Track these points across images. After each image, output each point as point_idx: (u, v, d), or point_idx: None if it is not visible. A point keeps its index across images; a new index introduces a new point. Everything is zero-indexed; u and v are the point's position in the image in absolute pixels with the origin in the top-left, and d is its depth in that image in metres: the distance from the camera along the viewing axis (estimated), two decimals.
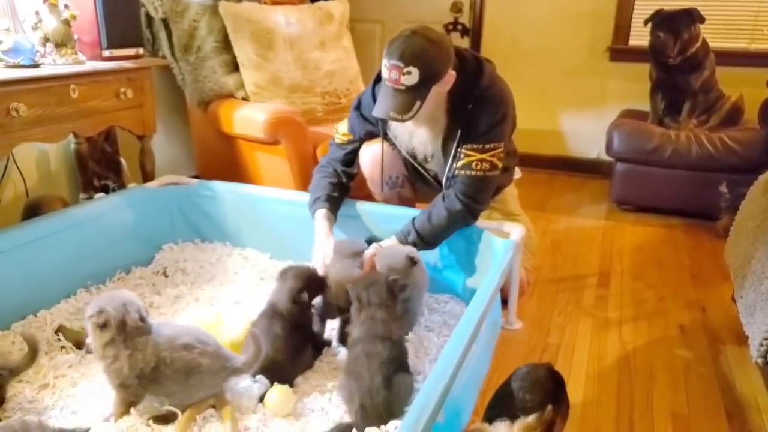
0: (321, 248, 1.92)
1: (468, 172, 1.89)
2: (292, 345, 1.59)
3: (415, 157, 2.11)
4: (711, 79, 3.23)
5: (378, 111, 1.80)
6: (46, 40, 2.11)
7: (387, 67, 1.73)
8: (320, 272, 1.82)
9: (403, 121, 1.78)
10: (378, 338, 1.50)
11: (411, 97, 1.72)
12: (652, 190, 3.24)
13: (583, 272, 2.56)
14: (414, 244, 1.88)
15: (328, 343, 1.77)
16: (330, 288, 1.76)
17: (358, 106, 2.09)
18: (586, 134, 4.02)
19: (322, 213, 2.01)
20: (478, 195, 1.91)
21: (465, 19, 4.17)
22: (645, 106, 3.47)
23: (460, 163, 1.91)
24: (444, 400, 1.16)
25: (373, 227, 2.15)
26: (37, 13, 2.11)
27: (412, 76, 1.69)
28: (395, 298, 1.60)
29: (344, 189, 2.12)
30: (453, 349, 1.29)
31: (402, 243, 1.90)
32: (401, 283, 1.62)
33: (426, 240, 1.90)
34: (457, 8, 4.15)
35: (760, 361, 1.51)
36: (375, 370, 1.43)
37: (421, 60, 1.68)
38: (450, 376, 1.19)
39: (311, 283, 1.70)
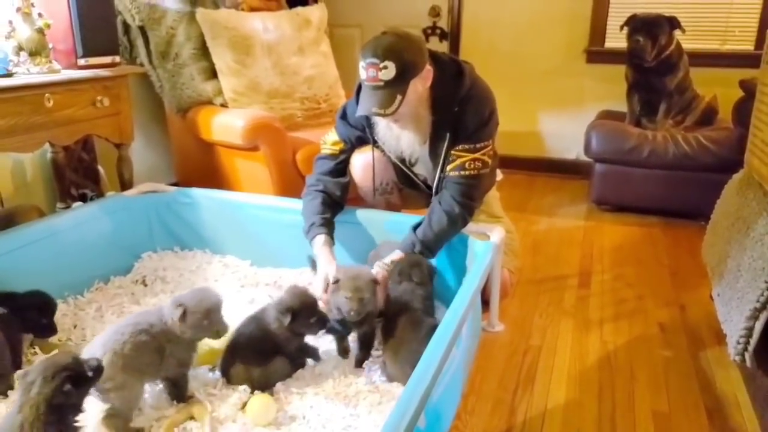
0: (324, 272, 1.86)
1: (462, 173, 1.92)
2: (256, 352, 1.59)
3: (404, 162, 2.12)
4: (685, 80, 3.28)
5: (361, 109, 1.83)
6: (20, 49, 2.08)
7: (364, 68, 1.76)
8: (321, 294, 1.78)
9: (386, 116, 1.79)
10: (417, 309, 1.71)
11: (391, 92, 1.75)
12: (631, 190, 3.27)
13: (564, 273, 2.58)
14: (420, 254, 1.88)
15: (312, 356, 1.74)
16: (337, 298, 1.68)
17: (343, 116, 2.09)
18: (565, 135, 4.05)
19: (321, 240, 1.95)
20: (473, 193, 1.95)
21: (443, 23, 4.19)
22: (622, 106, 3.50)
23: (452, 165, 1.92)
24: (424, 405, 1.15)
25: (372, 233, 2.14)
26: (10, 22, 2.08)
27: (389, 70, 1.72)
28: (432, 280, 1.80)
29: (337, 205, 2.09)
30: (432, 353, 1.28)
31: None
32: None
33: (431, 247, 1.90)
34: (435, 12, 4.17)
35: (737, 358, 1.53)
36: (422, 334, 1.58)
37: (395, 53, 1.73)
38: (430, 381, 1.19)
39: (303, 306, 1.63)
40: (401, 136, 1.97)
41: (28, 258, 1.90)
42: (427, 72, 1.83)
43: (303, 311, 1.61)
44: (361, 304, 1.63)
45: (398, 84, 1.75)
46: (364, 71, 1.77)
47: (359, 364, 1.71)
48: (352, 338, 1.78)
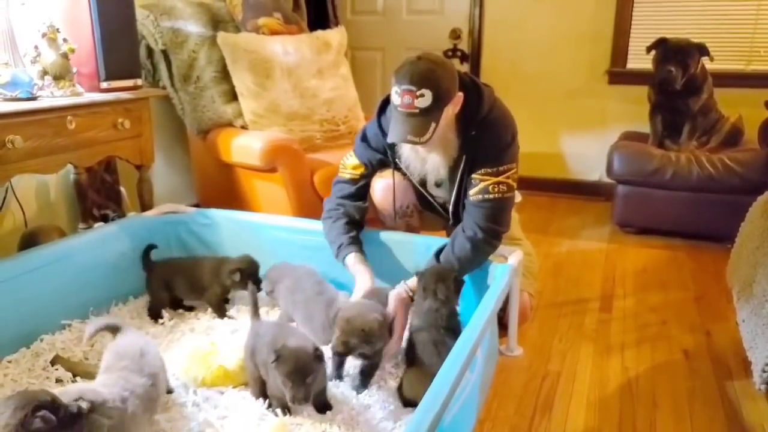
0: (361, 288, 1.88)
1: (485, 196, 1.89)
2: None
3: (425, 185, 2.11)
4: (709, 102, 3.23)
5: (394, 137, 1.80)
6: (45, 73, 2.13)
7: (399, 94, 1.74)
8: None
9: (421, 143, 1.78)
10: (441, 328, 1.66)
11: (426, 120, 1.74)
12: (654, 212, 3.21)
13: (585, 296, 2.53)
14: None
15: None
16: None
17: (364, 138, 2.09)
18: (588, 157, 4.01)
19: (354, 258, 1.95)
20: (499, 218, 1.91)
21: (464, 45, 4.20)
22: (645, 128, 3.46)
23: (474, 189, 1.90)
24: (434, 430, 1.13)
25: (393, 255, 2.14)
26: (36, 47, 2.13)
27: (426, 98, 1.71)
28: (458, 296, 1.74)
29: (360, 226, 2.10)
30: (444, 378, 1.26)
31: None
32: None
33: None
34: (455, 35, 4.18)
35: (763, 388, 1.48)
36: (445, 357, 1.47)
37: (432, 81, 1.71)
38: (440, 406, 1.17)
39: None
40: (427, 159, 1.96)
41: (47, 278, 1.92)
42: (458, 98, 1.82)
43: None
44: (345, 348, 1.62)
45: (433, 112, 1.74)
46: (398, 98, 1.74)
47: (357, 390, 1.69)
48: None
